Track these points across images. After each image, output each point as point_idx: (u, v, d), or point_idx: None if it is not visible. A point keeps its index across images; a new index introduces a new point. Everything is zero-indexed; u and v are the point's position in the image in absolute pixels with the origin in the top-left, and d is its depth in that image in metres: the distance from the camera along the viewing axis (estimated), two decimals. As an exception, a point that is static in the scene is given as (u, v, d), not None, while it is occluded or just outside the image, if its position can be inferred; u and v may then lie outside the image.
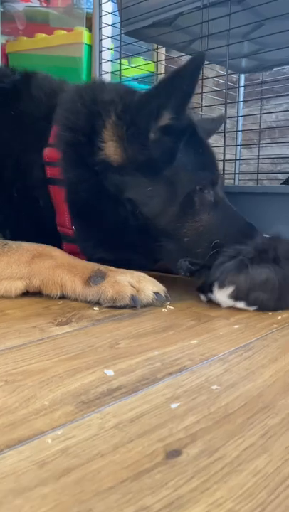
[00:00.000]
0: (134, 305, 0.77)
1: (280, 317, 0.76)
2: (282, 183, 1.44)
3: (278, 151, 2.24)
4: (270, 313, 0.79)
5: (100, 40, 1.38)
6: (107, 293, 0.77)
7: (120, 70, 1.44)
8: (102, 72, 1.38)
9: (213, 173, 0.95)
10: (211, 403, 0.45)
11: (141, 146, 0.84)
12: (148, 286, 0.80)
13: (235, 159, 2.00)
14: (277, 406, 0.45)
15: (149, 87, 2.48)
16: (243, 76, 1.97)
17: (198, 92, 1.97)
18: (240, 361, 0.56)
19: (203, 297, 0.84)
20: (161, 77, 2.53)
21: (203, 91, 2.30)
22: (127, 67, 1.55)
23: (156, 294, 0.80)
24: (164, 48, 2.39)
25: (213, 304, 0.83)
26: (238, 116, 1.89)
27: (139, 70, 2.14)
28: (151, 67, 2.46)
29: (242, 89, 1.97)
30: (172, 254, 0.90)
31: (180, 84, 0.81)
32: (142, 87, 2.37)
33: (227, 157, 1.17)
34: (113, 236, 0.88)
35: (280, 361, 0.57)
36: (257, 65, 1.81)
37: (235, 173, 2.00)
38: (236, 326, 0.70)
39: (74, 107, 0.89)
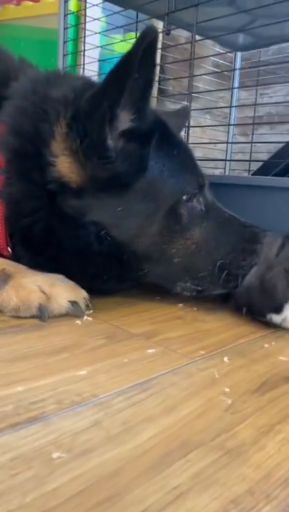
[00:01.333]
0: (41, 316, 0.64)
1: (214, 339, 0.62)
2: (253, 174, 1.27)
3: (279, 139, 2.05)
4: (207, 334, 0.64)
5: (66, 1, 1.21)
6: (10, 301, 0.63)
7: (76, 37, 1.26)
8: (67, 39, 1.22)
9: (198, 175, 0.76)
10: (35, 486, 0.31)
11: (101, 161, 0.65)
12: (62, 293, 0.66)
13: (227, 142, 1.83)
14: (126, 499, 0.31)
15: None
16: (239, 54, 1.79)
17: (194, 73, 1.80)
18: (124, 408, 0.42)
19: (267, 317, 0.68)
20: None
21: (200, 71, 2.12)
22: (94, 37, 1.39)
23: (73, 303, 0.66)
24: (160, 23, 2.22)
25: (141, 319, 0.69)
26: (232, 88, 1.71)
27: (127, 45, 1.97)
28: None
29: (237, 68, 1.79)
30: (164, 278, 0.75)
31: (132, 72, 0.61)
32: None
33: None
34: (75, 267, 0.70)
35: (177, 411, 0.42)
36: (253, 41, 1.63)
37: (225, 160, 1.83)
38: (151, 351, 0.56)
39: (24, 105, 0.70)
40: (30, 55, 0.91)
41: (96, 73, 1.77)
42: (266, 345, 0.60)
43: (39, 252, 0.70)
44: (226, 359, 0.55)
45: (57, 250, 0.69)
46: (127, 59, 0.61)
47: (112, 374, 0.49)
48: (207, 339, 0.62)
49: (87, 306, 0.69)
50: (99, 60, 1.50)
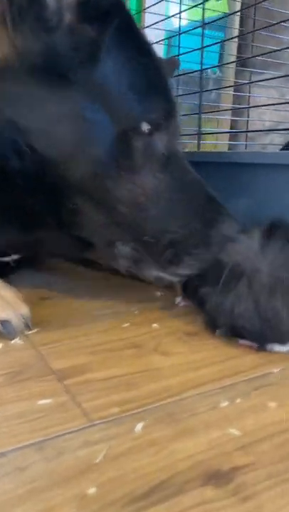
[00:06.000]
0: None
1: (155, 387, 0.44)
2: (282, 149, 1.00)
3: None
4: (153, 376, 0.46)
5: None
6: None
7: None
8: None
9: (168, 99, 0.58)
10: None
11: (36, 24, 0.50)
12: (-10, 308, 0.54)
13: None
14: None
15: (220, 33, 2.09)
16: None
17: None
18: None
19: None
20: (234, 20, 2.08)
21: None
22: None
23: (4, 322, 0.54)
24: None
25: (84, 345, 0.54)
26: None
27: (207, 11, 1.74)
28: (224, 7, 2.04)
29: None
30: (102, 229, 0.58)
31: None
32: (211, 34, 1.98)
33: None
34: None
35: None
36: None
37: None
38: (43, 402, 0.40)
39: None
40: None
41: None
42: (224, 404, 0.41)
43: None
44: (139, 427, 0.37)
45: None
46: None
47: None
48: (144, 386, 0.44)
49: (26, 325, 0.56)
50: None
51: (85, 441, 0.35)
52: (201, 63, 0.82)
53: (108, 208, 0.55)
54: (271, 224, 0.59)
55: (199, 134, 0.80)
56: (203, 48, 0.81)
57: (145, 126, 0.54)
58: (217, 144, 2.07)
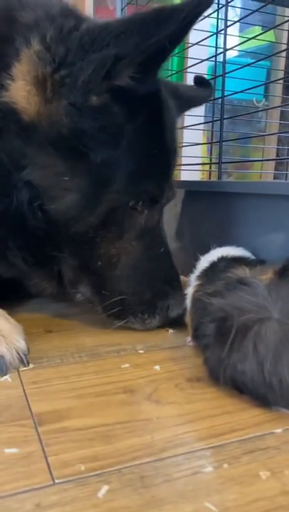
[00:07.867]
0: None
1: (136, 441, 0.39)
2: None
3: None
4: (135, 430, 0.42)
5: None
6: None
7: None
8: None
9: (160, 186, 0.64)
10: None
11: (70, 108, 0.53)
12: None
13: None
14: None
15: (266, 63, 2.06)
16: None
17: None
18: None
19: None
20: (279, 47, 2.04)
21: None
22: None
23: (-5, 357, 0.53)
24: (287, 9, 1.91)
25: (78, 385, 0.50)
26: None
27: (254, 41, 1.72)
28: (270, 36, 2.01)
29: None
30: (73, 270, 0.63)
31: (167, 26, 0.49)
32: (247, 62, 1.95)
33: None
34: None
35: None
36: None
37: None
38: (10, 451, 0.37)
39: None
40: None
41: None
42: (207, 470, 0.36)
43: None
44: (104, 490, 0.33)
45: None
46: (173, 10, 0.49)
47: None
48: (123, 440, 0.40)
49: (21, 360, 0.54)
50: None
51: (38, 504, 0.32)
52: (223, 90, 0.79)
53: (85, 259, 0.61)
54: (287, 263, 0.54)
55: (220, 164, 0.77)
56: (224, 74, 0.79)
57: (133, 204, 0.61)
58: (262, 173, 2.02)
